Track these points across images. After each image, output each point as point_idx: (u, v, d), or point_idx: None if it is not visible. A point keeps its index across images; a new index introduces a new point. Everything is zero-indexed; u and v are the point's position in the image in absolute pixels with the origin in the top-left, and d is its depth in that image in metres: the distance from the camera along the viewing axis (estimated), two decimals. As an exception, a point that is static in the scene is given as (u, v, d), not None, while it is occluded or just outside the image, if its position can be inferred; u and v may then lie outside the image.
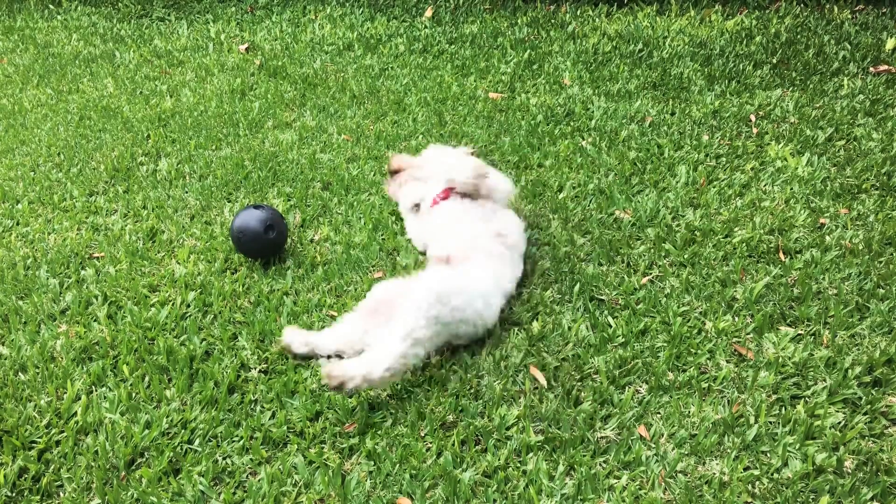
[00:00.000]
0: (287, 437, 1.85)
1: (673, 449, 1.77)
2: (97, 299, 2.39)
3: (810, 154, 3.15)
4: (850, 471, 1.70)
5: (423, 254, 2.56)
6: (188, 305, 2.35)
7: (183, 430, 1.86)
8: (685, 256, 2.50)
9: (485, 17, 5.58)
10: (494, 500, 1.66)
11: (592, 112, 3.75)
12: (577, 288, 2.34)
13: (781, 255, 2.49)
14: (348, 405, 1.93)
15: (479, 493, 1.68)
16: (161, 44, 5.38)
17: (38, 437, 1.85)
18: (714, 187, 2.93)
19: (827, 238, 2.56)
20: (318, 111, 3.94)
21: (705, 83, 4.06)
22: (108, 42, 5.54)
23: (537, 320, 2.21)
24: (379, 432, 1.85)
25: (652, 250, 2.55)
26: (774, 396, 1.91)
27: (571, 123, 3.64)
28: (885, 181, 2.92)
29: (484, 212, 2.49)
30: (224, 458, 1.80)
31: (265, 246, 2.46)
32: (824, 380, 1.95)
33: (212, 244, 2.69)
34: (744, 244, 2.54)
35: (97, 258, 2.64)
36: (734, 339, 2.12)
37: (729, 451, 1.76)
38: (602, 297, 2.32)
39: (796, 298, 2.27)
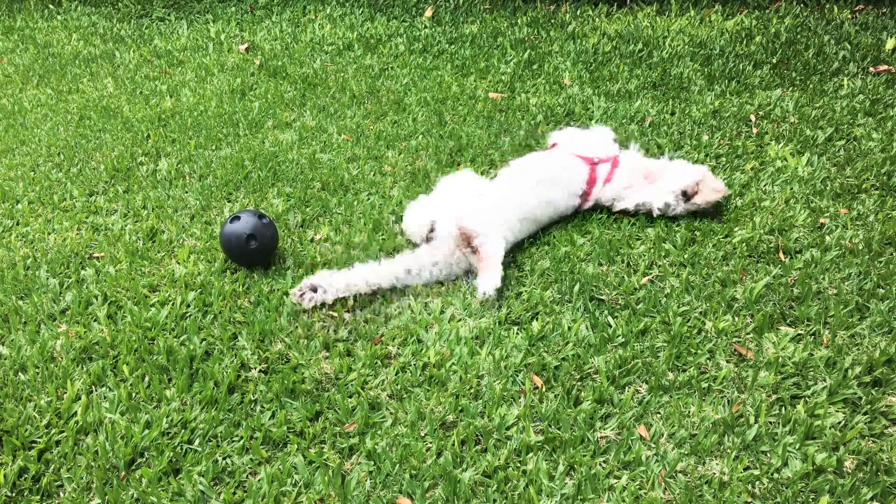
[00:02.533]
0: (287, 437, 1.85)
1: (673, 449, 1.77)
2: (97, 299, 2.39)
3: (810, 154, 3.15)
4: (850, 471, 1.70)
5: None
6: (188, 305, 2.35)
7: (183, 430, 1.86)
8: (685, 256, 2.50)
9: (485, 17, 5.58)
10: (494, 500, 1.66)
11: (592, 112, 3.75)
12: (577, 288, 2.34)
13: (781, 255, 2.49)
14: (348, 405, 1.93)
15: (479, 493, 1.68)
16: (161, 44, 5.38)
17: (38, 437, 1.85)
18: (714, 187, 2.93)
19: (827, 238, 2.56)
20: (318, 111, 3.94)
21: (705, 83, 4.06)
22: (108, 42, 5.54)
23: (537, 320, 2.21)
24: (379, 432, 1.85)
25: (652, 250, 2.55)
26: (774, 396, 1.91)
27: (571, 123, 3.64)
28: (885, 181, 2.92)
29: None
30: (224, 458, 1.80)
31: (252, 254, 2.45)
32: (824, 380, 1.95)
33: (212, 244, 2.69)
34: (744, 244, 2.54)
35: (97, 258, 2.64)
36: (734, 339, 2.12)
37: (729, 451, 1.76)
38: (602, 297, 2.33)
39: (796, 298, 2.27)
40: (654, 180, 2.78)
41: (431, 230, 2.56)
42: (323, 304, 2.31)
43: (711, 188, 2.71)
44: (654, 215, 2.73)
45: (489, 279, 2.30)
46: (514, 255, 2.57)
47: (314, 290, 2.30)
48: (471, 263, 2.44)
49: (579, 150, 2.90)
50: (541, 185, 2.66)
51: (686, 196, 2.71)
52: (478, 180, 2.73)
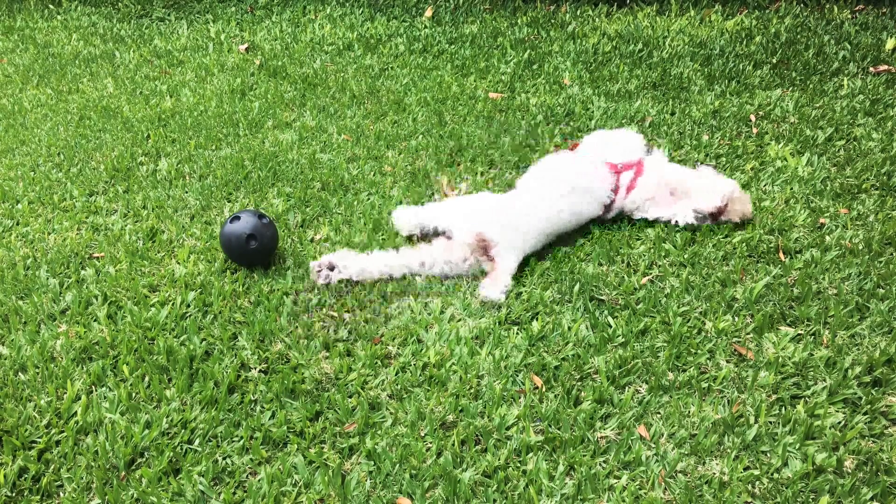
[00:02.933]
0: (287, 437, 1.85)
1: (673, 449, 1.77)
2: (97, 299, 2.39)
3: (810, 154, 3.15)
4: (850, 471, 1.70)
5: None
6: (188, 305, 2.35)
7: (183, 430, 1.86)
8: (685, 256, 2.50)
9: (485, 17, 5.58)
10: (494, 500, 1.66)
11: (592, 112, 3.75)
12: (577, 288, 2.34)
13: (781, 255, 2.49)
14: (348, 405, 1.93)
15: (479, 493, 1.68)
16: (161, 44, 5.38)
17: (38, 437, 1.85)
18: (714, 187, 2.93)
19: (827, 238, 2.56)
20: (318, 111, 3.94)
21: (705, 83, 4.06)
22: (108, 42, 5.54)
23: (537, 320, 2.21)
24: (379, 432, 1.85)
25: (652, 250, 2.55)
26: (774, 396, 1.91)
27: (571, 123, 3.64)
28: (885, 181, 2.92)
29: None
30: (224, 458, 1.80)
31: (252, 254, 2.45)
32: (824, 380, 1.95)
33: (212, 244, 2.69)
34: (744, 244, 2.54)
35: (97, 258, 2.64)
36: (734, 339, 2.12)
37: (729, 451, 1.76)
38: (602, 297, 2.32)
39: (796, 298, 2.27)
40: (681, 198, 2.70)
41: (430, 232, 2.62)
42: (331, 283, 2.42)
43: (739, 211, 2.64)
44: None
45: (493, 289, 2.33)
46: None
47: (331, 268, 2.41)
48: (482, 267, 2.47)
49: (603, 155, 2.83)
50: (571, 195, 2.61)
51: (714, 216, 2.66)
52: (497, 197, 2.69)
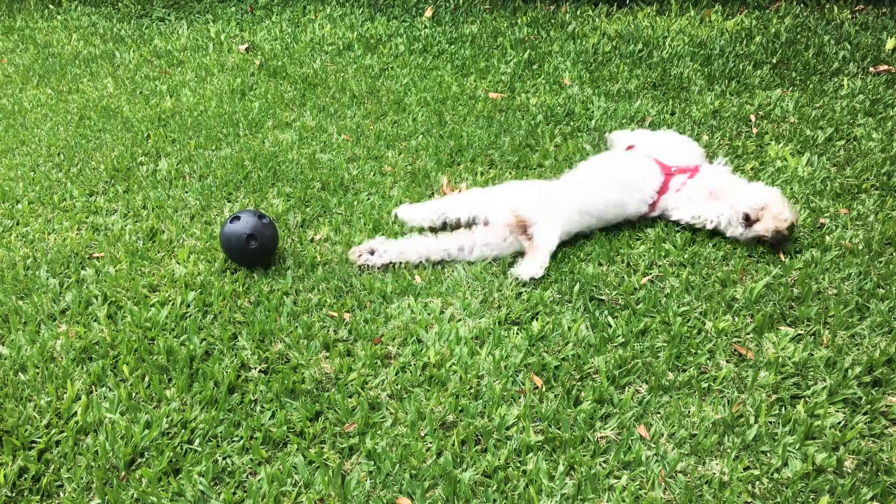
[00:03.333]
0: (287, 437, 1.85)
1: (673, 449, 1.77)
2: (97, 299, 2.39)
3: (810, 154, 3.15)
4: (850, 471, 1.70)
5: None
6: (188, 305, 2.35)
7: (183, 430, 1.86)
8: (685, 256, 2.50)
9: (485, 17, 5.58)
10: (494, 500, 1.66)
11: (592, 112, 3.75)
12: (577, 288, 2.34)
13: (781, 255, 2.49)
14: (348, 405, 1.93)
15: (479, 493, 1.68)
16: (161, 44, 5.38)
17: (38, 437, 1.85)
18: (714, 187, 2.93)
19: (827, 238, 2.56)
20: (318, 111, 3.94)
21: (705, 83, 4.06)
22: (108, 42, 5.54)
23: (537, 320, 2.21)
24: (379, 432, 1.85)
25: (652, 250, 2.55)
26: (774, 396, 1.91)
27: (571, 123, 3.64)
28: (885, 181, 2.92)
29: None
30: (224, 458, 1.80)
31: (252, 254, 2.45)
32: (824, 380, 1.95)
33: (212, 244, 2.69)
34: (743, 244, 2.54)
35: (97, 258, 2.64)
36: (734, 339, 2.12)
37: (729, 451, 1.76)
38: (602, 297, 2.33)
39: (796, 298, 2.27)
40: (718, 197, 2.62)
41: (452, 223, 2.70)
42: (372, 267, 2.49)
43: (774, 215, 2.47)
44: (708, 228, 2.60)
45: (531, 268, 2.38)
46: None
47: (371, 252, 2.50)
48: (523, 246, 2.51)
49: (659, 156, 2.80)
50: (612, 184, 2.64)
51: (748, 220, 2.52)
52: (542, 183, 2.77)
